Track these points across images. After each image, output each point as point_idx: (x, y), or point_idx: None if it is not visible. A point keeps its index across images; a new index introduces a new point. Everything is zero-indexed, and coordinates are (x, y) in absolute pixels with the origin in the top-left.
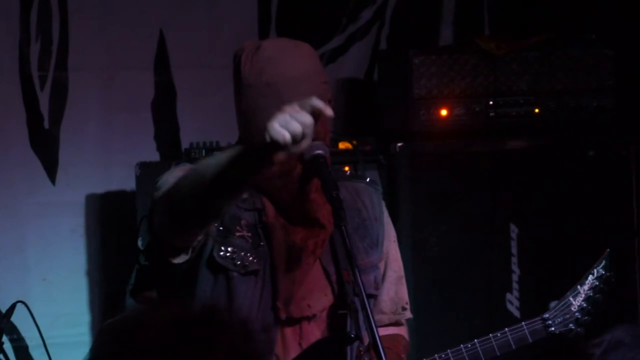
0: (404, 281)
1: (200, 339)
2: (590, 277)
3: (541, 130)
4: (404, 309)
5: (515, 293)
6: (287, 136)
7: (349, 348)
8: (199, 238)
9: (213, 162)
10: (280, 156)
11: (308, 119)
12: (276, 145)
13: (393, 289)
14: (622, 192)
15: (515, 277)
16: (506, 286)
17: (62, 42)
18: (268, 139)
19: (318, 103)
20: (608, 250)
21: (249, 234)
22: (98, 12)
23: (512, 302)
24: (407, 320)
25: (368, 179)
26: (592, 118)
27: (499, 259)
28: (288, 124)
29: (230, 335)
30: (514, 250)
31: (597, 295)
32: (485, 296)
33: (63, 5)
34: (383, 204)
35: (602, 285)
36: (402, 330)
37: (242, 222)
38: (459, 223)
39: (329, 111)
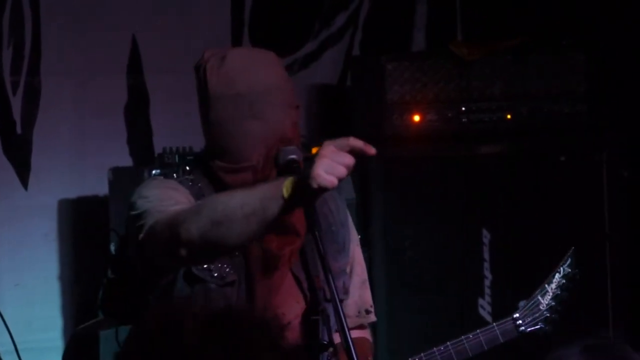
0: (367, 285)
1: (242, 338)
2: (557, 276)
3: (513, 135)
4: (367, 312)
5: (487, 298)
6: (335, 182)
7: (322, 354)
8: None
9: (241, 209)
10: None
11: (351, 160)
12: (323, 190)
13: (357, 292)
14: (594, 196)
15: (487, 283)
16: (478, 291)
17: (35, 47)
18: (315, 185)
19: (356, 142)
20: (573, 248)
21: None
22: (70, 17)
23: (484, 307)
24: (371, 323)
25: None
26: (564, 123)
27: (471, 264)
28: (334, 169)
29: (269, 333)
30: (486, 256)
31: (564, 293)
32: (458, 301)
33: (35, 10)
34: (346, 208)
35: (568, 283)
36: (366, 333)
37: None
38: (432, 228)
39: (370, 149)
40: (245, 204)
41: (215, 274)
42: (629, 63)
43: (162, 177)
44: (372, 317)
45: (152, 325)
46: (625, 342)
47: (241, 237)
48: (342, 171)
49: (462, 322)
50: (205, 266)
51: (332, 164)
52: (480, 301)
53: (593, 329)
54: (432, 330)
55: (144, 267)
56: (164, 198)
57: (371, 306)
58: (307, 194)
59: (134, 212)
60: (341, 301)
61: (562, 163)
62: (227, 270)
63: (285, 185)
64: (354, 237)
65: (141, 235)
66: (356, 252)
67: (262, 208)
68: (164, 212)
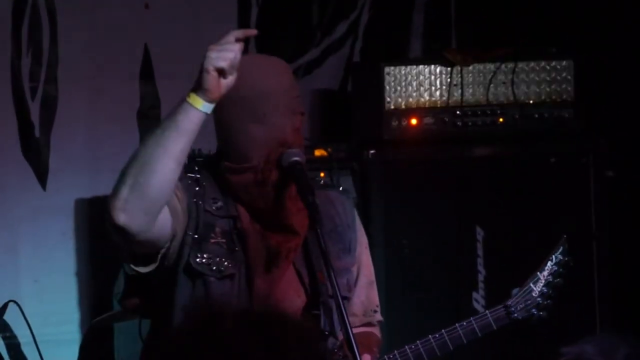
0: (374, 286)
1: (274, 339)
2: (549, 264)
3: (505, 138)
4: (374, 311)
5: (481, 292)
6: (227, 60)
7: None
8: (162, 233)
9: (154, 136)
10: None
11: (237, 46)
12: (219, 72)
13: (364, 293)
14: (581, 197)
15: (481, 277)
16: (472, 286)
17: (52, 55)
18: (209, 66)
19: (237, 32)
20: (565, 236)
21: (224, 240)
22: (86, 26)
23: (478, 301)
24: (379, 322)
25: (341, 188)
26: (553, 127)
27: (466, 260)
28: (223, 52)
29: (300, 335)
30: (480, 252)
31: (557, 280)
32: (453, 295)
33: (53, 21)
34: (355, 211)
35: (561, 270)
36: (374, 329)
37: (217, 229)
38: (428, 226)
39: (251, 31)
40: (154, 132)
41: (214, 268)
42: (615, 70)
43: None
44: (378, 317)
45: (190, 325)
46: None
47: (165, 161)
48: (230, 54)
49: (457, 314)
50: (204, 260)
51: (219, 49)
52: (475, 295)
53: (580, 323)
54: (429, 322)
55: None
56: None
57: (377, 306)
58: (206, 83)
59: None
60: (344, 298)
61: (551, 165)
62: (226, 264)
63: (188, 94)
64: (362, 240)
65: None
66: (364, 254)
67: (173, 122)
68: None
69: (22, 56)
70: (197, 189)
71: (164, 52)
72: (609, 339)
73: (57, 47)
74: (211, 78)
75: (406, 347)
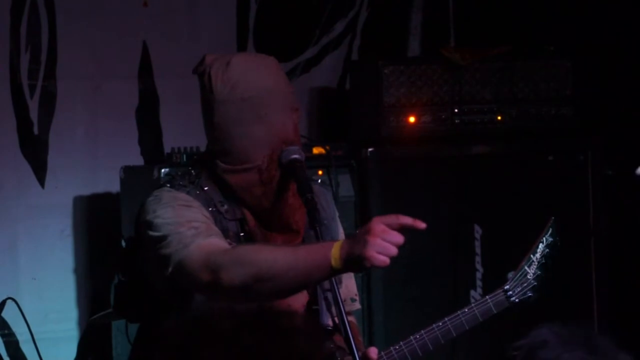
0: (352, 275)
1: (283, 330)
2: (540, 246)
3: (504, 136)
4: (353, 300)
5: (479, 290)
6: (388, 261)
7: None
8: None
9: (287, 272)
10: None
11: (400, 239)
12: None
13: (343, 282)
14: (579, 194)
15: (479, 275)
16: (470, 284)
17: (51, 52)
18: (369, 265)
19: (406, 220)
20: (553, 218)
21: (235, 244)
22: (85, 24)
23: (476, 298)
24: (356, 310)
25: (319, 180)
26: (551, 125)
27: (464, 258)
28: (386, 249)
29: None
30: (478, 250)
31: (548, 261)
32: (451, 293)
33: (52, 18)
34: (334, 202)
35: (551, 251)
36: (352, 318)
37: (230, 233)
38: (427, 223)
39: (420, 224)
40: (292, 267)
41: None
42: (613, 69)
43: (169, 187)
44: (357, 305)
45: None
46: (609, 334)
47: (283, 295)
48: (394, 250)
49: (455, 312)
50: None
51: (383, 245)
52: (472, 292)
53: (577, 321)
54: (427, 321)
55: (174, 291)
56: (182, 222)
57: (356, 294)
58: (357, 270)
59: (153, 234)
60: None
61: (549, 162)
62: None
63: (334, 256)
64: (341, 230)
65: (170, 269)
66: None
67: (309, 274)
68: (190, 247)
69: (20, 54)
70: (205, 196)
71: (163, 50)
72: (562, 325)
73: (55, 44)
74: (366, 269)
75: (411, 337)
